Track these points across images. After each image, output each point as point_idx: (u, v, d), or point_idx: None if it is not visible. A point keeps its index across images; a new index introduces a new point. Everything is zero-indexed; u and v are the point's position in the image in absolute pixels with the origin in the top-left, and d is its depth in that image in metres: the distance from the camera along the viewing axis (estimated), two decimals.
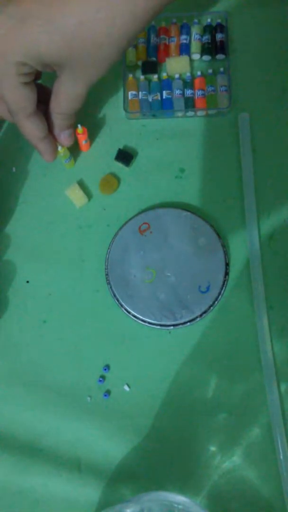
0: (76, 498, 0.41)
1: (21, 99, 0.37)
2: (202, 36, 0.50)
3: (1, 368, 0.44)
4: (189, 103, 0.48)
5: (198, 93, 0.48)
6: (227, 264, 0.45)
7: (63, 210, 0.47)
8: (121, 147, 0.48)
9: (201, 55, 0.50)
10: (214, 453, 0.42)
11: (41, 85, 0.43)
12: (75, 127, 0.45)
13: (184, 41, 0.50)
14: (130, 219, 0.46)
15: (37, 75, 0.41)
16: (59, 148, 0.45)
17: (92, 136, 0.49)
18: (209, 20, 0.50)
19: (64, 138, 0.43)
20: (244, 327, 0.44)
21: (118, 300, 0.44)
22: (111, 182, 0.47)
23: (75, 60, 0.35)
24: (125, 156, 0.48)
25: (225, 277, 0.44)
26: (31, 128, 0.40)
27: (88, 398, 0.43)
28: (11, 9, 0.34)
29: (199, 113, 0.49)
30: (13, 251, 0.47)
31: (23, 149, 0.49)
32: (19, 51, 0.34)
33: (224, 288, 0.44)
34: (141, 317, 0.43)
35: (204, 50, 0.50)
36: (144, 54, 0.50)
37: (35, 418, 0.43)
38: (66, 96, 0.39)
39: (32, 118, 0.39)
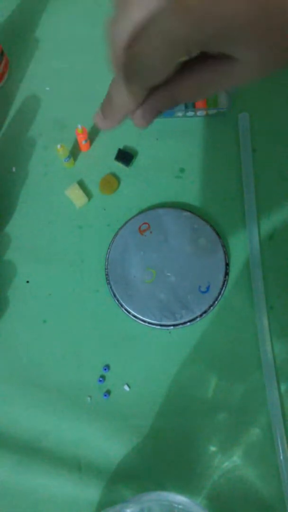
0: (76, 498, 0.41)
1: (159, 73, 0.27)
2: None
3: (1, 368, 0.44)
4: (189, 103, 0.48)
5: None
6: (227, 264, 0.45)
7: (63, 210, 0.47)
8: (121, 147, 0.48)
9: None
10: (214, 453, 0.42)
11: None
12: (75, 127, 0.45)
13: None
14: (130, 219, 0.46)
15: None
16: (58, 146, 0.45)
17: (92, 136, 0.49)
18: None
19: (144, 120, 0.32)
20: (244, 327, 0.44)
21: (118, 300, 0.44)
22: (111, 182, 0.47)
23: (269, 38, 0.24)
24: (125, 156, 0.48)
25: (225, 277, 0.44)
26: (135, 98, 0.30)
27: (88, 398, 0.43)
28: None
29: (199, 113, 0.49)
30: (13, 251, 0.47)
31: (23, 149, 0.49)
32: (210, 26, 0.24)
33: (224, 288, 0.44)
34: (141, 317, 0.43)
35: None
36: None
37: (35, 418, 0.43)
38: (218, 83, 0.28)
39: (146, 91, 0.29)
